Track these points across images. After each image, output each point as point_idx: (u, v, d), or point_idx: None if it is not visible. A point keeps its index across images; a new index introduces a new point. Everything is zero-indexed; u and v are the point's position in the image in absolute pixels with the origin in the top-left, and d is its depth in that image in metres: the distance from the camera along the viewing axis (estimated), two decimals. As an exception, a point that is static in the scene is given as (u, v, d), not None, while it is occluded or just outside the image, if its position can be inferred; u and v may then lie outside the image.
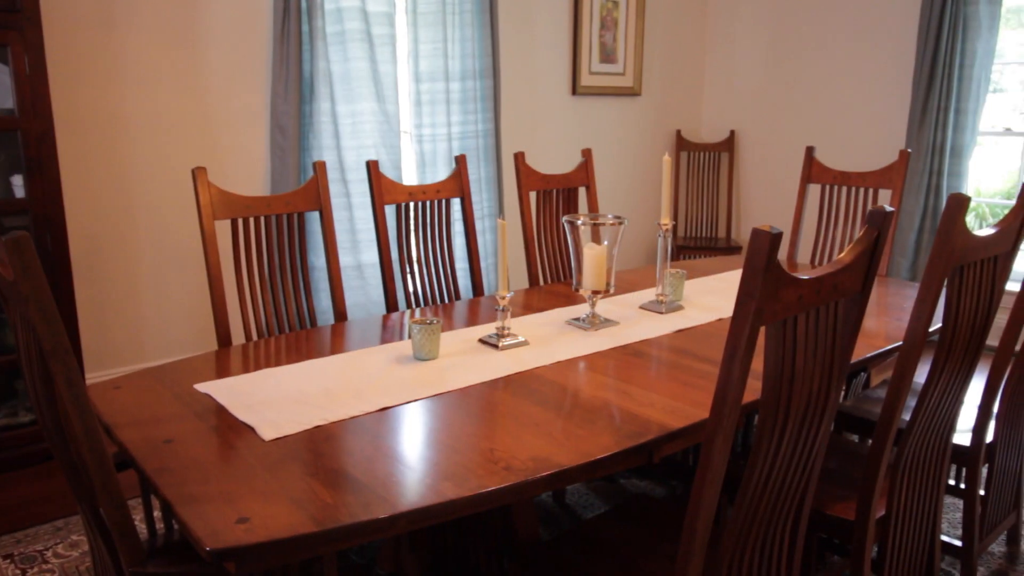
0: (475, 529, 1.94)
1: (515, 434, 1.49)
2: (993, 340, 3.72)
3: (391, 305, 2.55)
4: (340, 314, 2.43)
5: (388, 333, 2.19)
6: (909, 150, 3.09)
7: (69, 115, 3.17)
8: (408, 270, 2.66)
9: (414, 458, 1.41)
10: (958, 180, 4.23)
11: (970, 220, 4.72)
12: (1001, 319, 3.90)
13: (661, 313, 2.34)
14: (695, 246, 5.17)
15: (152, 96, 3.36)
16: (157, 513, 2.39)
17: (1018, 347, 2.10)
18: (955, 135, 4.19)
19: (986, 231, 1.57)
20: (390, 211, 3.03)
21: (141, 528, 2.40)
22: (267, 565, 1.16)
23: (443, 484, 1.30)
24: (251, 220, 2.29)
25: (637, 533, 1.70)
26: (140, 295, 3.47)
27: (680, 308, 2.39)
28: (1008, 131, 4.37)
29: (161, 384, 1.75)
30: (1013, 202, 1.66)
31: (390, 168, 3.91)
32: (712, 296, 2.54)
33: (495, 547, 1.89)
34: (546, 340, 2.07)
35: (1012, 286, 3.59)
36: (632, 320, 2.26)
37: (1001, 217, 1.64)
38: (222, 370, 1.86)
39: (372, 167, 2.57)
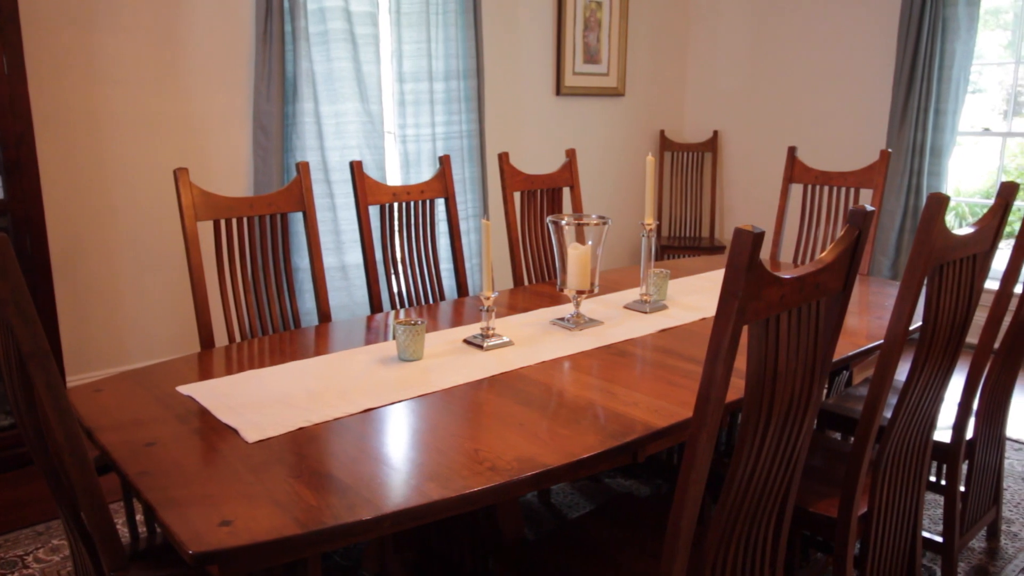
0: (460, 530, 1.94)
1: (500, 434, 1.50)
2: (972, 338, 3.77)
3: (375, 306, 2.55)
4: (324, 315, 2.42)
5: (372, 334, 2.18)
6: (890, 150, 3.12)
7: (49, 115, 3.14)
8: (392, 271, 2.66)
9: (398, 459, 1.41)
10: (938, 180, 4.27)
11: (950, 219, 4.77)
12: (980, 317, 3.95)
13: (645, 313, 2.34)
14: (679, 246, 5.19)
15: (133, 96, 3.33)
16: (139, 517, 2.38)
17: (997, 345, 2.13)
18: (935, 135, 4.23)
19: (965, 230, 1.58)
20: (374, 212, 3.02)
21: (123, 532, 2.38)
22: (251, 568, 1.15)
23: (427, 485, 1.30)
24: (234, 221, 2.28)
25: (622, 532, 1.71)
26: (121, 297, 3.44)
27: (664, 308, 2.39)
28: (987, 131, 4.43)
29: (143, 387, 1.74)
30: (992, 201, 1.68)
31: (374, 169, 3.90)
32: (696, 295, 2.55)
33: (480, 547, 1.89)
34: (531, 340, 2.07)
35: (991, 284, 3.64)
36: (616, 320, 2.27)
37: (980, 216, 1.66)
38: (205, 372, 1.85)
39: (356, 168, 2.56)
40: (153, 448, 1.43)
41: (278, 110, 3.55)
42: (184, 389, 1.71)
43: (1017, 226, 1.98)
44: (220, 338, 2.94)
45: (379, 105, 3.89)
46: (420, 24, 4.01)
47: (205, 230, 2.84)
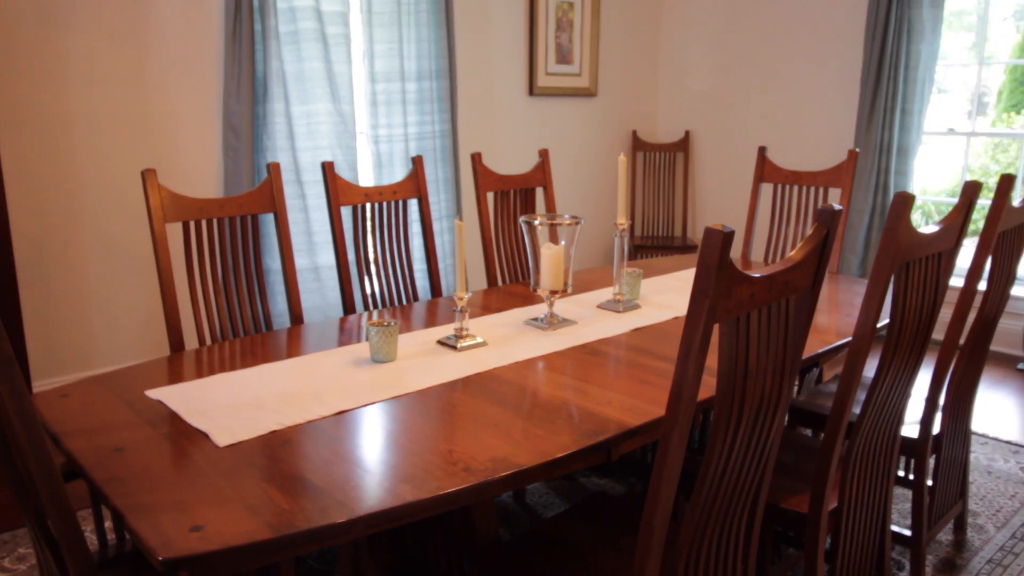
0: (435, 531, 1.93)
1: (474, 435, 1.49)
2: (938, 334, 3.83)
3: (348, 307, 2.53)
4: (296, 317, 2.40)
5: (345, 336, 2.17)
6: (857, 150, 3.16)
7: (11, 115, 3.08)
8: (365, 272, 2.64)
9: (372, 461, 1.40)
10: (904, 179, 4.34)
11: (916, 218, 4.85)
12: (946, 314, 4.02)
13: (618, 312, 2.35)
14: (651, 245, 5.22)
15: (98, 95, 3.28)
16: (108, 524, 2.34)
17: (962, 340, 2.17)
18: (901, 135, 4.30)
19: (931, 228, 1.61)
20: (346, 212, 3.00)
21: (92, 539, 2.34)
22: (222, 574, 1.14)
23: (401, 487, 1.30)
24: (203, 223, 2.25)
25: (596, 531, 1.71)
26: (89, 300, 3.38)
27: (637, 307, 2.41)
28: (952, 131, 4.51)
29: (111, 391, 1.71)
30: (956, 200, 1.71)
31: (346, 169, 3.88)
32: (668, 295, 2.57)
33: (455, 548, 1.89)
34: (504, 340, 2.07)
35: (956, 281, 3.70)
36: (590, 319, 2.28)
37: (945, 215, 1.69)
38: (174, 376, 1.82)
39: (327, 168, 2.54)
40: (122, 453, 1.41)
41: (248, 110, 3.51)
42: (153, 393, 1.69)
43: (981, 224, 2.02)
44: (190, 341, 2.90)
45: (351, 105, 3.86)
46: (392, 24, 3.99)
47: (174, 232, 2.80)
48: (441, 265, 4.32)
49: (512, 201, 3.01)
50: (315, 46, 3.68)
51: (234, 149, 3.53)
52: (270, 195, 2.39)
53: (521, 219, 2.21)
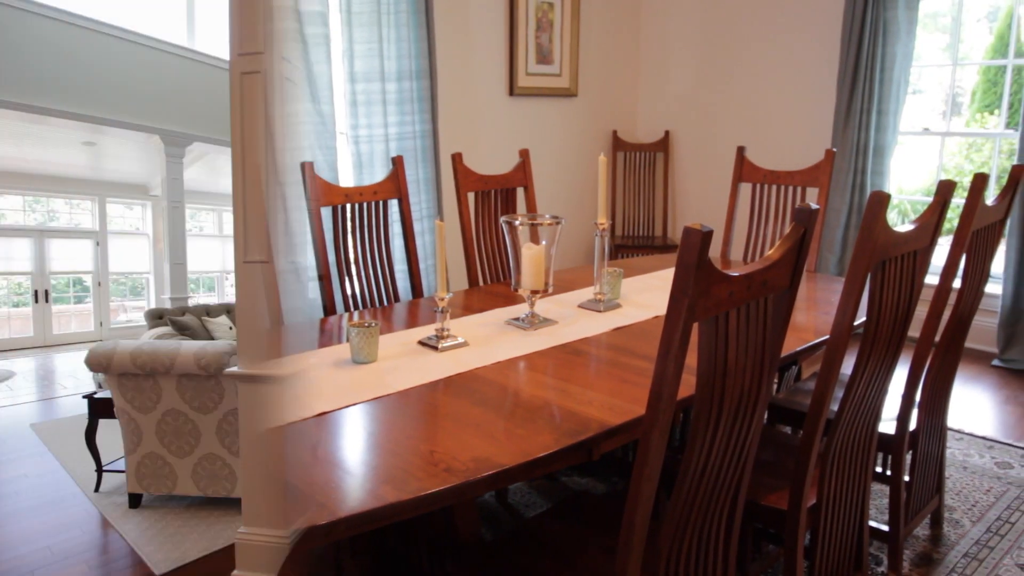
0: (417, 532, 1.93)
1: (456, 435, 1.49)
2: (914, 332, 3.87)
3: (328, 308, 2.52)
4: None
5: (326, 337, 2.16)
6: (834, 149, 3.20)
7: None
8: (346, 273, 2.63)
9: (353, 463, 1.40)
10: (881, 178, 4.39)
11: (892, 217, 4.90)
12: (921, 311, 4.07)
13: (599, 311, 2.36)
14: (632, 245, 5.24)
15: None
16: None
17: (938, 338, 2.19)
18: (877, 135, 4.35)
19: (906, 227, 1.63)
20: (326, 213, 2.98)
21: None
22: (202, 577, 1.13)
23: (383, 488, 1.29)
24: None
25: (578, 530, 1.72)
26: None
27: (617, 306, 2.42)
28: (927, 131, 4.56)
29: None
30: (932, 199, 1.73)
31: (326, 170, 3.86)
32: (649, 294, 2.58)
33: (437, 549, 1.88)
34: (486, 341, 2.07)
35: (931, 279, 3.75)
36: (571, 319, 2.28)
37: (921, 214, 1.71)
38: (153, 378, 1.81)
39: (307, 169, 2.53)
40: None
41: (227, 110, 3.48)
42: (131, 396, 1.67)
43: (955, 223, 2.05)
44: (169, 343, 2.87)
45: (331, 106, 3.84)
46: (371, 24, 3.98)
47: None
48: (422, 266, 4.31)
49: (493, 201, 3.01)
50: (294, 46, 3.65)
51: (212, 150, 3.50)
52: (249, 196, 2.37)
53: (502, 219, 2.21)
